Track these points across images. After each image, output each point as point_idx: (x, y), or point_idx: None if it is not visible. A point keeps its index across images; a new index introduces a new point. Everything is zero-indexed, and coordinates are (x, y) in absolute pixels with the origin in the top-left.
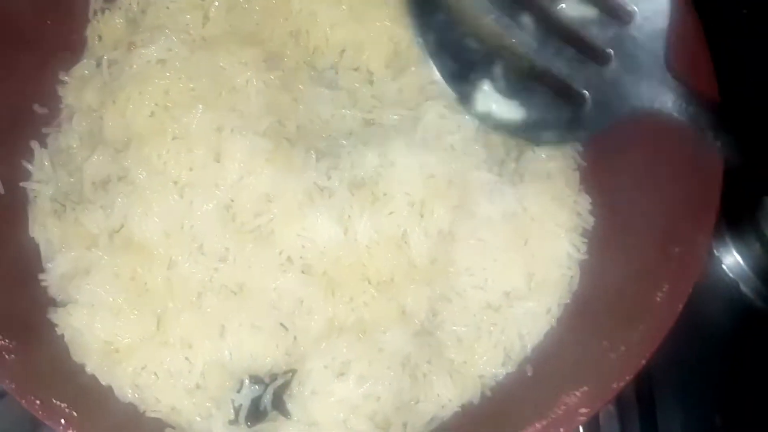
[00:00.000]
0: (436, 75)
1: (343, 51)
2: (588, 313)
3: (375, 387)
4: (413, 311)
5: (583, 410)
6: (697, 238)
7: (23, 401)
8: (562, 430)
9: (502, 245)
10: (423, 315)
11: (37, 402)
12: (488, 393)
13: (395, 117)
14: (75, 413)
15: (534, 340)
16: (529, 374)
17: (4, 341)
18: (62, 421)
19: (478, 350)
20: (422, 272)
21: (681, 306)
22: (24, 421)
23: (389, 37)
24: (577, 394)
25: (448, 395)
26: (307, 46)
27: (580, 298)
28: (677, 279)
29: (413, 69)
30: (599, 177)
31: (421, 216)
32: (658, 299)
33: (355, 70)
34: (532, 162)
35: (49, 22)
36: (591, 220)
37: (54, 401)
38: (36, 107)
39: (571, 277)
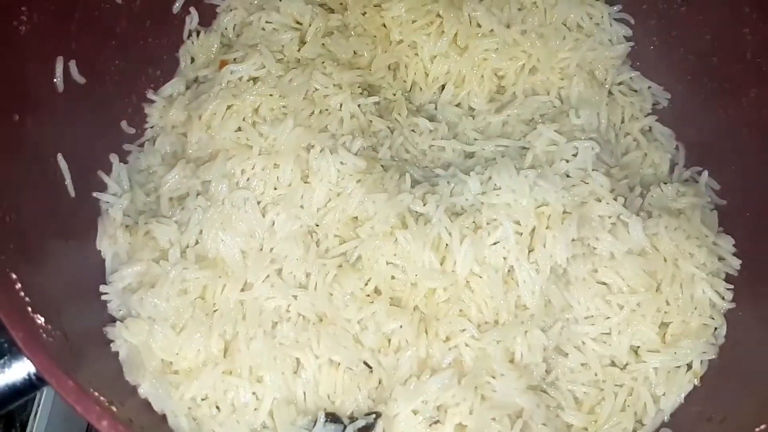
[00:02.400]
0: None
1: (442, 86)
2: (739, 371)
3: None
4: (526, 360)
5: None
6: None
7: (78, 407)
8: None
9: (628, 289)
10: (539, 365)
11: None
12: None
13: (500, 148)
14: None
15: (673, 403)
16: None
17: (54, 332)
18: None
19: (601, 415)
20: (534, 315)
21: None
22: None
23: (493, 70)
24: None
25: None
26: (405, 80)
27: (727, 353)
28: None
29: (519, 101)
30: (743, 217)
31: (531, 250)
32: None
33: (456, 105)
34: (661, 199)
35: (142, 38)
36: (736, 263)
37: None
38: (124, 125)
39: (716, 328)
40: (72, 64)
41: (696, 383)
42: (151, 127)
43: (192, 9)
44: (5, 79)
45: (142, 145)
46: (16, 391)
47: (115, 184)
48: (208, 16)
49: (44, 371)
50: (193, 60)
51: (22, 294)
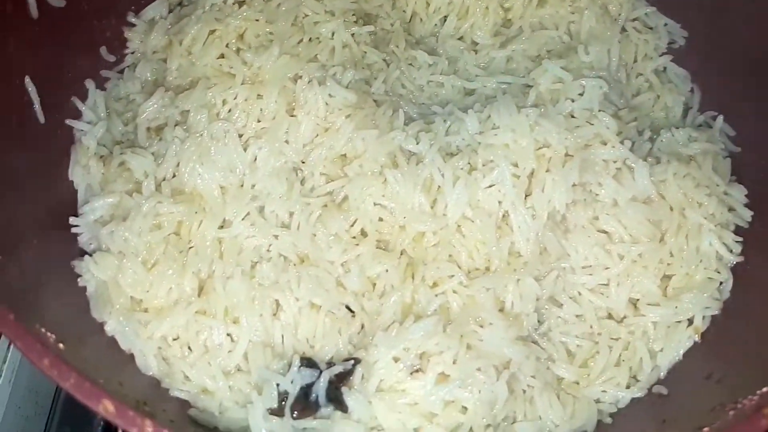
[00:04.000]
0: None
1: (444, 18)
2: (742, 329)
3: (460, 391)
4: (517, 309)
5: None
6: None
7: (18, 342)
8: None
9: (630, 238)
10: (530, 315)
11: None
12: (607, 420)
13: (502, 86)
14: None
15: (670, 359)
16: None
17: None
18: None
19: (594, 369)
20: (527, 263)
21: None
22: None
23: (499, 2)
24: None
25: (554, 419)
26: (404, 10)
27: (732, 310)
28: None
29: (525, 36)
30: (758, 166)
31: (529, 194)
32: None
33: (459, 39)
34: (671, 144)
35: None
36: (747, 214)
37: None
38: (103, 51)
39: (721, 283)
40: None
41: (696, 339)
42: (132, 53)
43: None
44: None
45: (121, 72)
46: None
47: (90, 111)
48: None
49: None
50: None
51: None
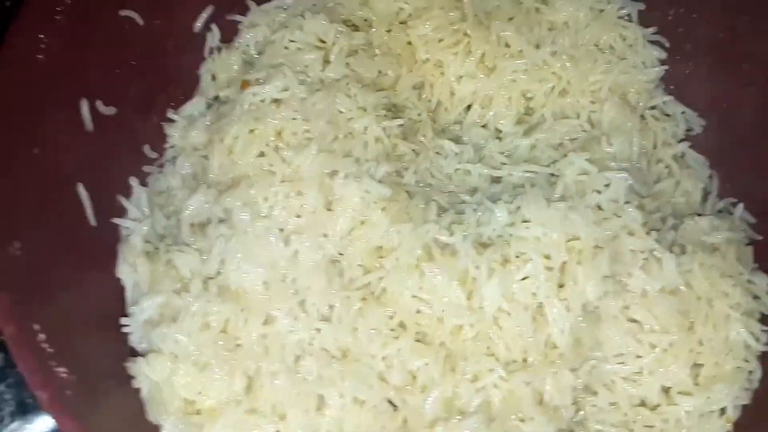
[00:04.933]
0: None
1: (469, 107)
2: None
3: None
4: (555, 402)
5: None
6: None
7: None
8: None
9: (660, 328)
10: (568, 407)
11: None
12: None
13: (527, 174)
14: None
15: None
16: None
17: (69, 375)
18: None
19: None
20: (563, 355)
21: None
22: None
23: (522, 92)
24: None
25: None
26: (430, 100)
27: (762, 399)
28: None
29: (548, 125)
30: None
31: (561, 286)
32: None
33: (483, 126)
34: (694, 232)
35: (162, 57)
36: None
37: None
38: (146, 149)
39: (750, 372)
40: (98, 102)
41: (729, 429)
42: (171, 147)
43: (213, 26)
44: (25, 110)
45: (161, 166)
46: None
47: (135, 208)
48: (229, 33)
49: None
50: (214, 78)
51: (46, 345)
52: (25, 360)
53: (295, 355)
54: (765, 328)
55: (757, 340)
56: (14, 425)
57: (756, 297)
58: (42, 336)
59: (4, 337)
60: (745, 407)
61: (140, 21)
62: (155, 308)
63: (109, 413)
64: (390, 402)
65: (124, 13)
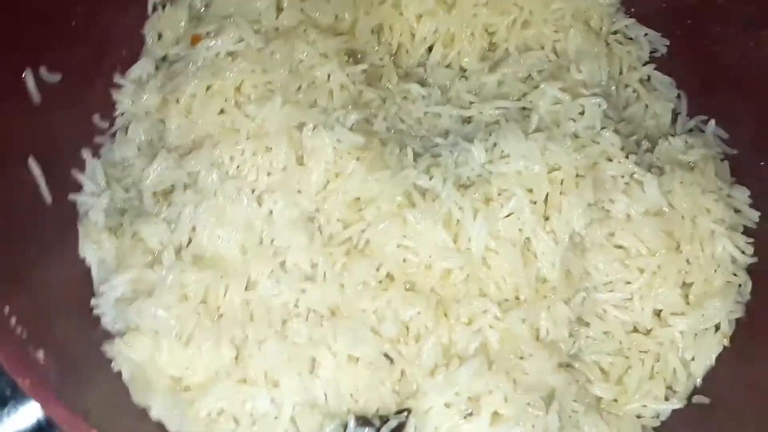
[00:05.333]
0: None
1: (430, 47)
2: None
3: (515, 430)
4: (552, 336)
5: None
6: None
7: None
8: None
9: (647, 251)
10: (566, 340)
11: None
12: None
13: (498, 111)
14: None
15: (703, 367)
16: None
17: (47, 359)
18: None
19: (629, 384)
20: (555, 288)
21: None
22: None
23: (484, 26)
24: None
25: None
26: (390, 43)
27: (757, 310)
28: None
29: (513, 59)
30: (757, 166)
31: (547, 218)
32: None
33: (446, 66)
34: (670, 152)
35: (103, 17)
36: (755, 215)
37: None
38: (96, 119)
39: (740, 285)
40: (41, 69)
41: (726, 344)
42: (122, 115)
43: None
44: None
45: (113, 135)
46: None
47: (90, 182)
48: None
49: (61, 421)
50: (160, 37)
51: (19, 331)
52: (1, 345)
53: (281, 319)
54: (749, 240)
55: (744, 252)
56: None
57: (737, 210)
58: (14, 319)
59: None
60: (738, 321)
61: None
62: (126, 284)
63: (95, 396)
64: (386, 356)
65: None
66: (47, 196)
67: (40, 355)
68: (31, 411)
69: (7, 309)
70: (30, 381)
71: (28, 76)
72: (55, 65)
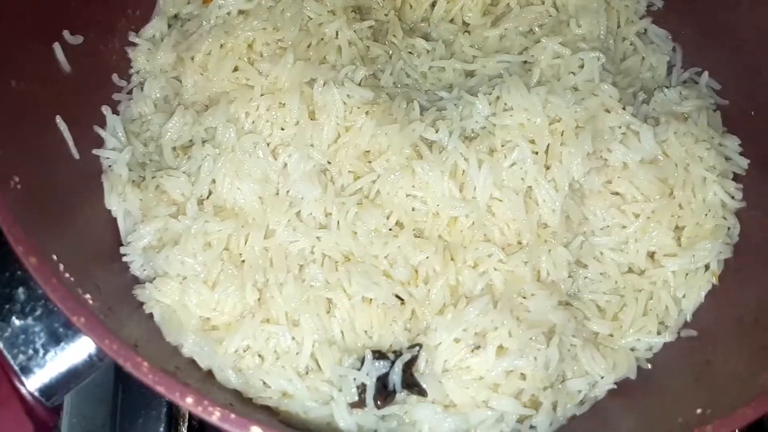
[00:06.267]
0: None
1: (434, 3)
2: (756, 265)
3: (518, 361)
4: (553, 276)
5: None
6: None
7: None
8: None
9: (642, 197)
10: (565, 280)
11: (145, 363)
12: (647, 366)
13: (501, 65)
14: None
15: (693, 303)
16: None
17: (94, 301)
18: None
19: (624, 320)
20: (556, 233)
21: None
22: None
23: None
24: None
25: (598, 371)
26: None
27: (742, 251)
28: None
29: (515, 13)
30: (747, 115)
31: (548, 167)
32: None
33: (450, 21)
34: (665, 103)
35: None
36: (744, 163)
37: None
38: (115, 78)
39: (729, 228)
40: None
41: (715, 282)
42: (137, 72)
43: None
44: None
45: (130, 93)
46: (77, 373)
47: (112, 138)
48: None
49: (116, 355)
50: None
51: (67, 275)
52: (55, 289)
53: (299, 264)
54: (739, 186)
55: (733, 197)
56: (49, 355)
57: (728, 158)
58: (61, 266)
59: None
60: (727, 261)
61: None
62: (153, 234)
63: (137, 336)
64: (397, 296)
65: None
66: (75, 153)
67: (88, 296)
68: (82, 347)
69: (54, 256)
70: (85, 319)
71: (56, 47)
72: (76, 28)
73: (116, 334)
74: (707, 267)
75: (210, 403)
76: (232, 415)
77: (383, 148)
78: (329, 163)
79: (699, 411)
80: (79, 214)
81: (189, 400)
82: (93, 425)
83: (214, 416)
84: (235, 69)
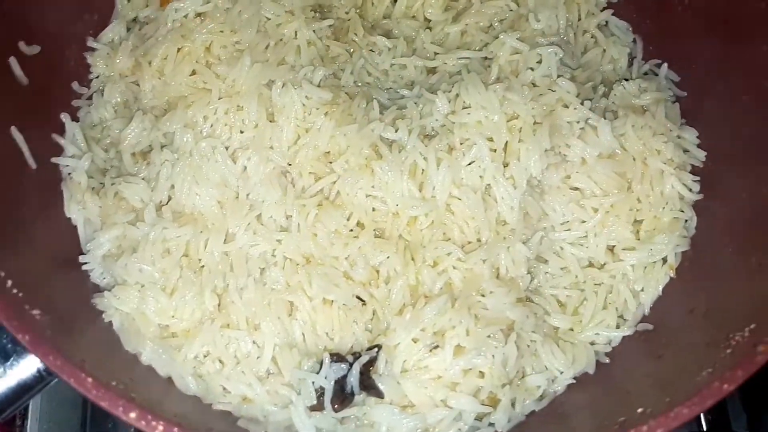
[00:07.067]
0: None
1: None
2: (712, 258)
3: (476, 359)
4: (511, 273)
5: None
6: None
7: (72, 379)
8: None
9: (601, 192)
10: (524, 277)
11: (89, 380)
12: (605, 360)
13: (461, 61)
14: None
15: (652, 296)
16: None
17: (44, 316)
18: (120, 404)
19: (584, 315)
20: (514, 230)
21: None
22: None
23: None
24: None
25: (558, 366)
26: None
27: (699, 244)
28: None
29: (475, 8)
30: (705, 107)
31: (506, 165)
32: None
33: (411, 18)
34: (624, 96)
35: None
36: (701, 155)
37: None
38: (75, 85)
39: (686, 220)
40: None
41: (672, 275)
42: (97, 77)
43: None
44: None
45: (90, 98)
46: (26, 388)
47: (71, 145)
48: None
49: (60, 371)
50: None
51: (15, 291)
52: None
53: (260, 268)
54: (696, 178)
55: (690, 190)
56: None
57: (686, 150)
58: (9, 282)
59: None
60: (684, 254)
61: None
62: (112, 241)
63: (89, 346)
64: (358, 297)
65: None
66: (32, 163)
67: (36, 312)
68: (32, 362)
69: (2, 273)
70: (29, 337)
71: (12, 61)
72: (32, 37)
73: (61, 350)
74: (665, 260)
75: (153, 418)
76: (175, 429)
77: (343, 148)
78: (289, 164)
79: (640, 410)
80: (33, 226)
81: (132, 415)
82: (64, 430)
83: (158, 431)
84: (193, 73)
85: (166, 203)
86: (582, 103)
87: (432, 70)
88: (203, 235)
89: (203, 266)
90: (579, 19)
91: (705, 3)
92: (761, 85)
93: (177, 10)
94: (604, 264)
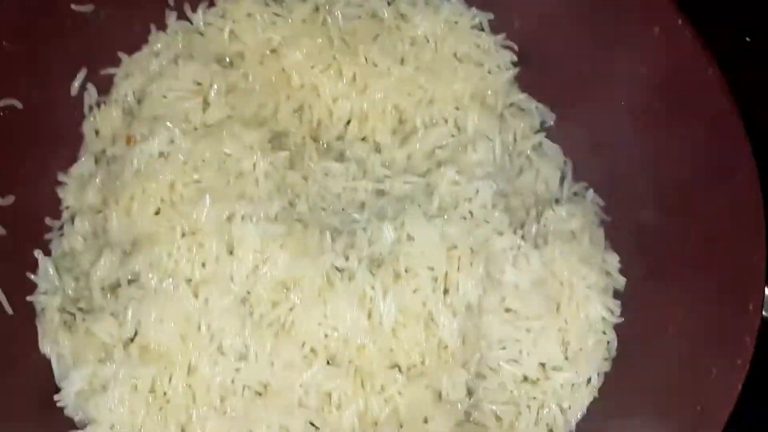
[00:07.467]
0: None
1: (348, 122)
2: (633, 381)
3: None
4: (452, 397)
5: None
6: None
7: None
8: None
9: (533, 314)
10: (463, 400)
11: None
12: None
13: (407, 186)
14: None
15: (577, 413)
16: None
17: None
18: None
19: (519, 427)
20: (454, 353)
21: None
22: None
23: (393, 105)
24: None
25: None
26: (311, 120)
27: (621, 364)
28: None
29: (419, 135)
30: (626, 231)
31: (446, 292)
32: (714, 373)
33: (362, 140)
34: (554, 221)
35: (44, 124)
36: (622, 280)
37: None
38: (48, 221)
39: (608, 342)
40: None
41: (596, 395)
42: (67, 208)
43: (89, 85)
44: None
45: (61, 228)
46: None
47: (44, 281)
48: (107, 86)
49: None
50: (97, 133)
51: None
52: None
53: (220, 396)
54: (617, 302)
55: (612, 312)
56: None
57: (609, 274)
58: None
59: None
60: (606, 374)
61: (19, 105)
62: (84, 380)
63: None
64: (312, 424)
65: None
66: (8, 309)
67: None
68: None
69: None
70: None
71: None
72: (5, 189)
73: None
74: (590, 380)
75: None
76: None
77: (297, 278)
78: (248, 292)
79: None
80: (9, 369)
81: None
82: None
83: None
84: (157, 212)
85: (134, 338)
86: (515, 232)
87: (381, 192)
88: (167, 370)
89: (168, 400)
90: (515, 141)
91: (630, 133)
92: None
93: (142, 151)
94: (538, 379)
